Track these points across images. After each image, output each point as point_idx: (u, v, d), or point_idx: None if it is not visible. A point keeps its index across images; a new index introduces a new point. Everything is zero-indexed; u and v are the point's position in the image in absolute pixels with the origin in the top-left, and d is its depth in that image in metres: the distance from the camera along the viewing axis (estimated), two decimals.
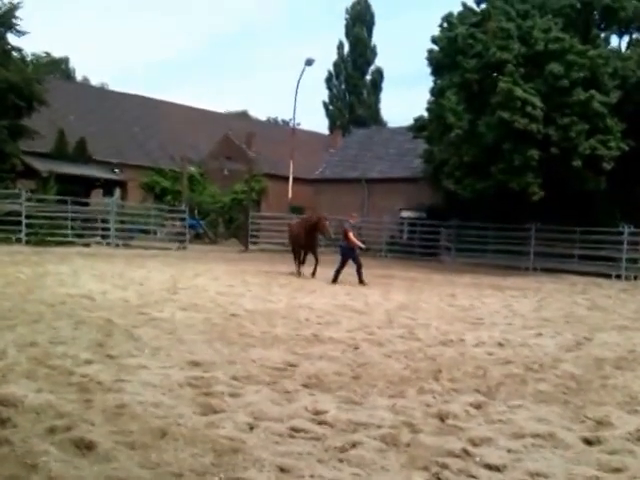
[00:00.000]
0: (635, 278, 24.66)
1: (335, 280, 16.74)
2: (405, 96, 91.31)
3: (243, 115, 67.33)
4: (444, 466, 4.25)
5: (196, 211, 33.77)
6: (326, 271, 17.50)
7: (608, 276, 24.61)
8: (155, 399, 5.35)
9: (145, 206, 33.34)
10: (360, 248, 17.16)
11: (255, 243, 32.22)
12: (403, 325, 10.12)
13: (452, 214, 30.17)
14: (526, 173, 23.97)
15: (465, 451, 4.54)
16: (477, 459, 4.43)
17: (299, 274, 18.33)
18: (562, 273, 24.91)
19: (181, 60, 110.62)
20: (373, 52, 65.66)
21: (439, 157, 28.25)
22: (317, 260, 18.17)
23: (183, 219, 30.40)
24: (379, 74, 65.98)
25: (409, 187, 36.04)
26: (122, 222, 28.83)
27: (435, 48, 28.57)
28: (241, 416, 5.07)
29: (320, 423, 5.04)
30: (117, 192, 33.66)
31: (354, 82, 65.12)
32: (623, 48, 29.11)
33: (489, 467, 4.32)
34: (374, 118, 63.38)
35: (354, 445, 4.59)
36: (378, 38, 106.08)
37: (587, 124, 23.75)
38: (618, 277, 24.75)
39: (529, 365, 7.50)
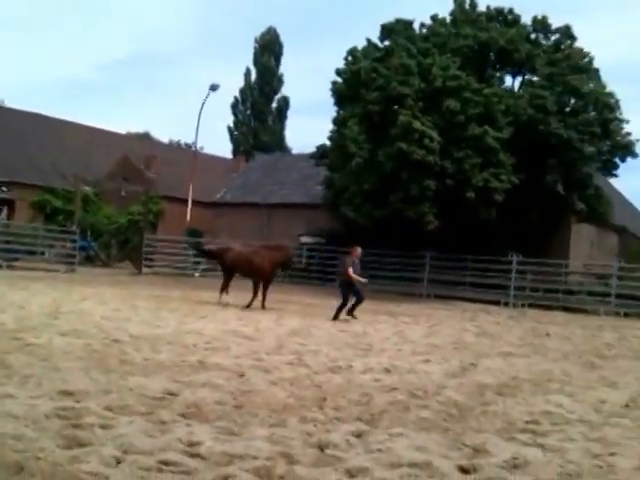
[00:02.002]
0: (522, 305, 25.63)
1: (336, 317, 15.66)
2: (310, 124, 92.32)
3: (145, 137, 65.87)
4: None
5: (88, 232, 32.51)
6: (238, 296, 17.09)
7: (497, 303, 25.49)
8: (16, 431, 4.94)
9: (33, 226, 31.77)
10: (360, 283, 16.27)
11: (150, 266, 31.28)
12: (293, 351, 9.97)
13: (350, 240, 30.32)
14: (422, 202, 24.64)
15: None
16: None
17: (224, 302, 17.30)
18: (454, 300, 25.52)
19: (83, 79, 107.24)
20: (280, 81, 66.17)
21: (339, 184, 28.59)
22: (266, 292, 17.34)
23: (73, 240, 29.18)
24: (285, 102, 66.48)
25: (309, 213, 36.19)
26: (7, 242, 27.36)
27: (339, 80, 29.12)
28: (109, 449, 4.75)
29: (193, 456, 4.79)
30: (4, 211, 31.96)
31: (260, 109, 65.30)
32: (516, 88, 30.60)
33: None
34: (279, 145, 63.67)
35: (226, 479, 4.39)
36: (285, 67, 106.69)
37: (480, 158, 24.77)
38: (506, 304, 25.67)
39: (414, 392, 7.48)
